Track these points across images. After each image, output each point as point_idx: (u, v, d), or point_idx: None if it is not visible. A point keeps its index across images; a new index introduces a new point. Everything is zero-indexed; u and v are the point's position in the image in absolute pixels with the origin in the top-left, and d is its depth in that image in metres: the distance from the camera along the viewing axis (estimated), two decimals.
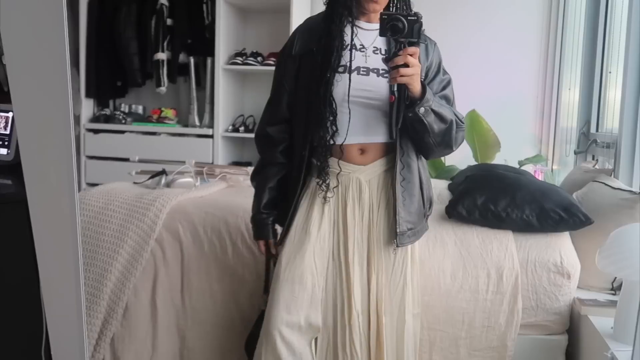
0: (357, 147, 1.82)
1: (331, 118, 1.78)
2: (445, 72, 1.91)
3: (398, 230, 1.80)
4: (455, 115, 1.81)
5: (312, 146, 1.84)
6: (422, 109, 1.70)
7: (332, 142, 1.79)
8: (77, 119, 4.39)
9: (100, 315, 2.27)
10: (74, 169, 1.27)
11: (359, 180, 1.83)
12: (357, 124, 1.80)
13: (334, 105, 1.78)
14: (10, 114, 1.55)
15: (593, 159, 3.17)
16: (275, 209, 1.95)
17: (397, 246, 1.82)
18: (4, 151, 1.53)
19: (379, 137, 1.82)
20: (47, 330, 1.38)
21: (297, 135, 1.88)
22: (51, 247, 1.35)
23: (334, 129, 1.79)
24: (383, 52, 1.82)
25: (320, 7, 1.91)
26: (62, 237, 1.33)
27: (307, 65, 1.85)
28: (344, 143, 1.80)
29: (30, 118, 1.28)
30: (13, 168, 1.46)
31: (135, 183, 2.79)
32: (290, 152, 1.93)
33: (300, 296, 1.79)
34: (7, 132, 1.53)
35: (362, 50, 1.81)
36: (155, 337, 2.27)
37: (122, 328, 2.28)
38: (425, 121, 1.72)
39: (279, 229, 1.96)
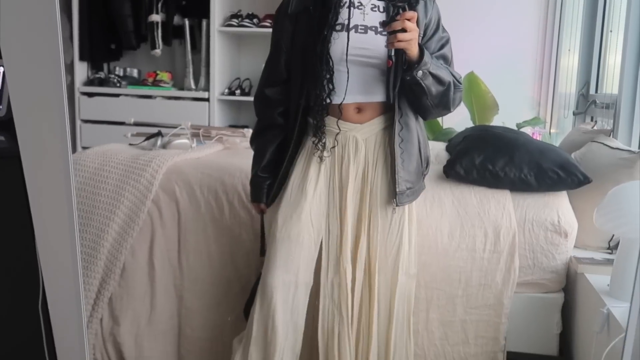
0: (354, 106, 1.81)
1: (327, 76, 1.76)
2: (444, 30, 1.88)
3: (397, 190, 1.80)
4: (453, 76, 1.79)
5: (308, 105, 1.82)
6: (419, 72, 1.68)
7: (328, 100, 1.78)
8: (69, 67, 4.33)
9: (98, 275, 2.27)
10: (66, 122, 1.25)
11: (356, 139, 1.82)
12: (355, 83, 1.78)
13: (330, 64, 1.76)
14: (1, 69, 1.52)
15: (592, 120, 3.15)
16: (273, 174, 1.93)
17: (397, 205, 1.81)
18: None
19: (377, 96, 1.81)
20: (44, 287, 1.38)
21: (293, 95, 1.86)
22: (46, 203, 1.34)
23: (330, 87, 1.77)
24: (381, 9, 1.79)
25: None
26: (57, 193, 1.32)
27: (303, 24, 1.82)
28: (342, 103, 1.78)
29: (21, 72, 1.26)
30: (5, 124, 1.43)
31: (131, 145, 2.77)
32: (288, 114, 1.91)
33: (297, 255, 1.79)
34: None
35: (360, 7, 1.78)
36: (153, 296, 2.28)
37: (120, 288, 2.28)
38: (423, 84, 1.71)
39: None
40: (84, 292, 2.23)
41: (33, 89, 1.28)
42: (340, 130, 1.80)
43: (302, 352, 1.84)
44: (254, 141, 1.96)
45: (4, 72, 1.41)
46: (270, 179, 1.92)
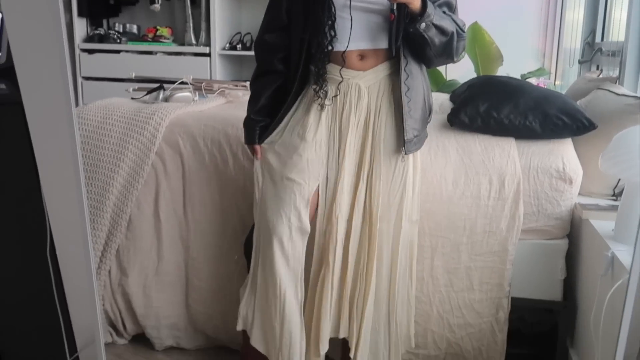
0: (356, 53, 1.80)
1: (329, 23, 1.74)
2: None
3: (406, 138, 1.80)
4: (457, 24, 1.78)
5: (308, 53, 1.80)
6: (422, 25, 1.68)
7: (329, 48, 1.76)
8: (69, 24, 4.28)
9: (105, 228, 2.28)
10: (67, 65, 1.24)
11: (359, 86, 1.81)
12: (358, 30, 1.76)
13: (332, 10, 1.74)
14: None
15: (597, 69, 3.12)
16: (268, 117, 1.92)
17: (405, 154, 1.82)
18: None
19: (380, 42, 1.79)
20: (51, 233, 1.39)
21: (294, 42, 1.84)
22: (50, 151, 1.34)
23: (332, 34, 1.75)
24: None
25: None
26: (61, 141, 1.31)
27: None
28: (346, 50, 1.76)
29: (20, 17, 1.24)
30: (6, 72, 1.42)
31: (133, 99, 2.76)
32: (289, 61, 1.89)
33: (289, 199, 1.80)
34: None
35: None
36: (159, 248, 2.30)
37: (127, 240, 2.30)
38: (426, 36, 1.71)
39: None
40: (92, 243, 2.25)
41: (32, 35, 1.26)
42: (342, 78, 1.78)
43: (308, 302, 1.86)
44: (251, 85, 1.97)
45: (2, 18, 1.39)
46: (263, 122, 1.91)
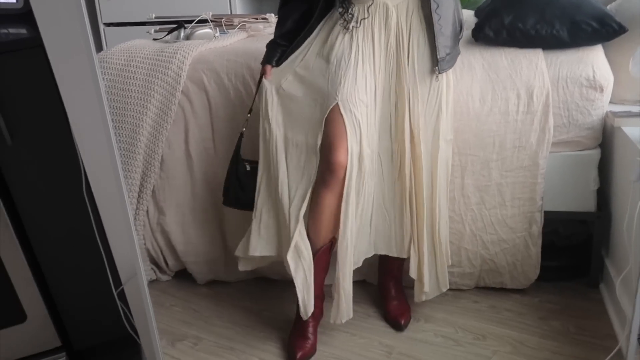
0: None
1: None
2: None
3: (439, 56, 1.79)
4: None
5: None
6: None
7: None
8: None
9: (139, 170, 2.33)
10: (83, 7, 1.24)
11: (386, 5, 1.78)
12: None
13: None
14: None
15: None
16: (291, 43, 1.91)
17: (440, 72, 1.80)
18: None
19: None
20: (86, 174, 1.43)
21: None
22: (76, 91, 1.36)
23: None
24: None
25: None
26: (85, 83, 1.33)
27: None
28: None
29: None
30: (25, 16, 1.44)
31: (154, 40, 2.76)
32: None
33: (298, 113, 1.84)
34: None
35: None
36: (193, 185, 2.35)
37: (161, 179, 2.35)
38: None
39: None
40: (127, 186, 2.31)
41: None
42: (372, 1, 1.75)
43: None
44: (279, 11, 1.96)
45: None
46: (286, 47, 1.91)
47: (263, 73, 1.93)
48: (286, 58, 1.90)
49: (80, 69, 1.29)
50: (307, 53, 1.86)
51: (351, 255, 1.84)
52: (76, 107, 1.34)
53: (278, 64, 1.91)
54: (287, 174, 1.86)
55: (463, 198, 2.12)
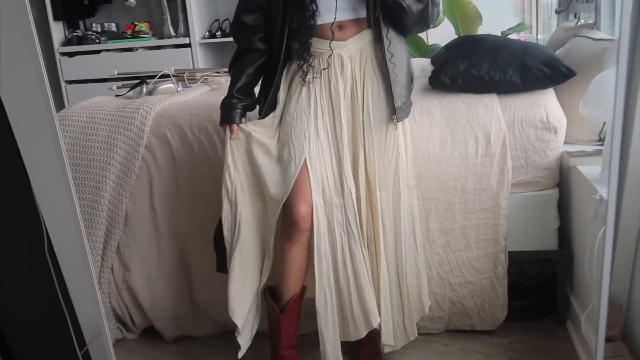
0: (335, 25, 1.80)
1: None
2: None
3: (396, 105, 1.82)
4: None
5: (290, 30, 1.81)
6: None
7: (313, 22, 1.77)
8: (47, 39, 4.26)
9: (102, 226, 2.30)
10: (42, 67, 1.25)
11: (341, 56, 1.82)
12: (338, 2, 1.78)
13: None
14: None
15: (575, 17, 3.12)
16: (249, 97, 1.93)
17: (397, 121, 1.84)
18: None
19: (360, 12, 1.81)
20: (48, 232, 1.41)
21: (274, 20, 1.85)
22: (36, 151, 1.36)
23: (314, 7, 1.76)
24: None
25: None
26: (45, 142, 1.33)
27: None
28: (334, 22, 1.78)
29: None
30: None
31: (117, 96, 2.77)
32: (268, 40, 1.89)
33: (272, 170, 1.84)
34: None
35: None
36: (159, 240, 2.32)
37: (126, 235, 2.32)
38: (403, 4, 1.74)
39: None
40: (89, 243, 2.27)
41: (6, 42, 1.28)
42: (332, 51, 1.80)
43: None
44: (231, 67, 1.95)
45: None
46: (245, 102, 1.91)
47: (229, 131, 1.89)
48: (263, 113, 1.91)
49: (39, 128, 1.29)
50: (270, 114, 1.89)
51: (332, 307, 1.83)
52: (36, 166, 1.34)
53: (240, 120, 1.90)
54: (250, 223, 1.87)
55: (429, 242, 2.15)
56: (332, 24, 1.79)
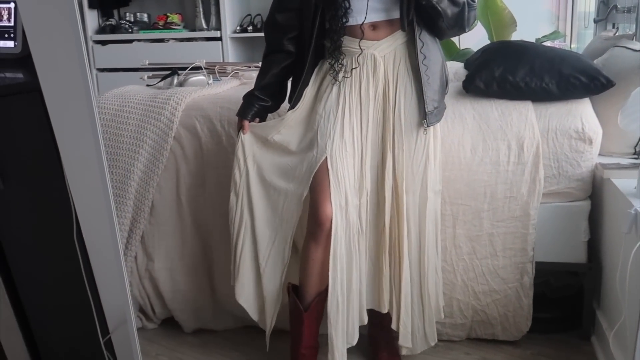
0: (369, 24, 1.79)
1: None
2: None
3: (427, 110, 1.80)
4: None
5: (322, 28, 1.80)
6: None
7: (344, 20, 1.76)
8: (81, 26, 4.30)
9: (129, 215, 2.31)
10: (84, 52, 1.25)
11: (374, 56, 1.81)
12: (371, 2, 1.77)
13: None
14: (11, 5, 1.52)
15: (613, 27, 3.07)
16: (270, 99, 1.94)
17: (428, 126, 1.82)
18: (10, 44, 1.51)
19: (393, 13, 1.80)
20: (78, 219, 1.41)
21: (306, 18, 1.84)
22: (72, 136, 1.36)
23: (347, 5, 1.75)
24: None
25: None
26: (81, 124, 1.33)
27: None
28: (364, 22, 1.77)
29: (34, 5, 1.25)
30: (22, 61, 1.44)
31: (148, 86, 2.77)
32: (299, 42, 1.91)
33: (286, 163, 1.87)
34: (12, 23, 1.50)
35: None
36: (183, 231, 2.33)
37: (151, 225, 2.33)
38: (439, 7, 1.72)
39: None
40: (118, 230, 2.28)
41: (47, 23, 1.28)
42: (362, 50, 1.79)
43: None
44: (263, 59, 1.98)
45: (15, 7, 1.41)
46: (264, 102, 1.93)
47: (240, 127, 1.93)
48: (265, 113, 1.96)
49: (77, 115, 1.29)
50: (300, 106, 1.87)
51: (343, 312, 1.81)
52: (71, 152, 1.34)
53: (252, 119, 1.92)
54: (264, 216, 1.87)
55: (455, 248, 2.12)
56: (362, 23, 1.77)
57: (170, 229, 2.33)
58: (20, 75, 1.47)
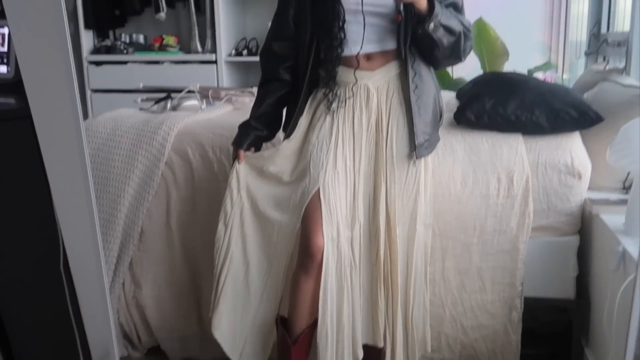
0: (363, 55, 1.80)
1: (339, 25, 1.75)
2: None
3: (417, 142, 1.80)
4: (463, 24, 1.79)
5: (317, 58, 1.81)
6: (431, 25, 1.69)
7: (339, 50, 1.77)
8: (76, 36, 4.31)
9: (117, 240, 2.30)
10: (74, 78, 1.25)
11: (367, 87, 1.82)
12: (367, 33, 1.78)
13: (342, 12, 1.75)
14: (5, 30, 1.52)
15: (604, 60, 3.10)
16: (266, 128, 1.95)
17: (417, 158, 1.82)
18: (3, 69, 1.51)
19: (387, 44, 1.81)
20: (64, 248, 1.40)
21: (302, 48, 1.86)
22: (60, 164, 1.35)
23: (342, 36, 1.76)
24: None
25: None
26: (71, 152, 1.33)
27: None
28: (359, 53, 1.78)
29: (26, 32, 1.26)
30: (14, 86, 1.44)
31: (141, 109, 2.78)
32: (295, 70, 1.91)
33: (280, 194, 1.84)
34: (5, 49, 1.50)
35: None
36: (172, 258, 2.31)
37: (140, 252, 2.31)
38: (434, 37, 1.72)
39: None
40: (104, 257, 2.26)
41: (39, 49, 1.28)
42: (356, 80, 1.80)
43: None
44: (259, 88, 1.99)
45: (9, 33, 1.41)
46: (259, 131, 1.93)
47: (235, 156, 1.92)
48: (261, 143, 1.95)
49: (66, 143, 1.29)
50: (295, 135, 1.88)
51: (332, 345, 1.79)
52: (60, 179, 1.34)
53: (248, 149, 1.92)
54: (259, 248, 1.85)
55: (443, 281, 2.11)
56: (358, 54, 1.78)
57: (158, 256, 2.31)
58: (12, 101, 1.47)
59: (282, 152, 1.87)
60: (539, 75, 3.61)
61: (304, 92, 1.85)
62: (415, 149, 1.81)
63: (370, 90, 1.82)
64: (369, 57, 1.82)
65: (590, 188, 2.16)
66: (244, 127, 1.95)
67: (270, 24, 1.94)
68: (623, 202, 2.00)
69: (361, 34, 1.77)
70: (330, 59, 1.79)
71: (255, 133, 1.93)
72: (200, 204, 2.29)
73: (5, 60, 1.50)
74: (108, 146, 2.36)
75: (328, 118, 1.84)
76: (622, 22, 3.06)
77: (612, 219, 1.94)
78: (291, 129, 1.87)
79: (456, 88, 3.29)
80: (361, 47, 1.78)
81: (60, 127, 1.32)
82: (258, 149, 1.96)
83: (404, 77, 1.82)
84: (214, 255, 1.89)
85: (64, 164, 1.35)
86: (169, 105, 2.72)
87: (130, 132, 2.38)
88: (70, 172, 1.34)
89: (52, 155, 1.34)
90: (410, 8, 1.69)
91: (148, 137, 2.34)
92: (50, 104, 1.31)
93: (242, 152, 1.90)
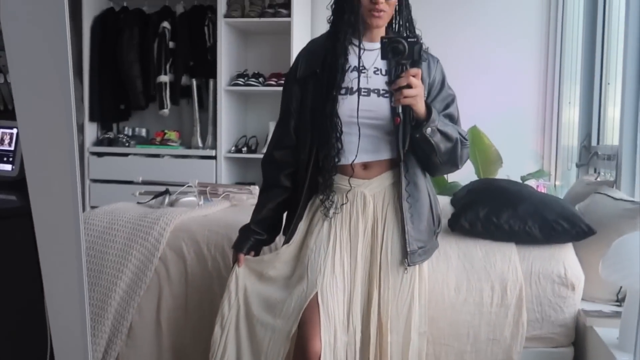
0: (361, 164, 1.86)
1: (337, 136, 1.82)
2: (449, 88, 1.94)
3: (409, 250, 1.82)
4: (460, 133, 1.84)
5: (316, 166, 1.86)
6: (428, 130, 1.74)
7: (337, 160, 1.82)
8: (80, 128, 4.40)
9: (105, 335, 2.26)
10: (77, 183, 1.28)
11: (364, 195, 1.85)
12: (362, 143, 1.84)
13: (339, 124, 1.81)
14: (14, 130, 1.57)
15: (595, 171, 3.18)
16: (266, 232, 1.98)
17: (409, 265, 1.83)
18: (8, 167, 1.55)
19: (383, 154, 1.86)
20: (52, 347, 1.39)
21: (302, 156, 1.92)
22: (56, 262, 1.36)
23: (339, 146, 1.82)
24: (383, 72, 1.87)
25: (320, 29, 1.95)
26: (67, 252, 1.34)
27: (311, 87, 1.90)
28: (354, 162, 1.84)
29: (34, 134, 1.30)
30: (17, 184, 1.47)
31: (138, 203, 2.80)
32: (295, 177, 1.97)
33: (282, 302, 1.81)
34: (12, 148, 1.55)
35: (363, 71, 1.86)
36: (160, 356, 2.27)
37: (127, 348, 2.27)
38: (432, 141, 1.77)
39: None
40: (91, 352, 2.22)
41: (46, 149, 1.32)
42: (351, 187, 1.83)
43: None
44: (260, 194, 2.04)
45: (17, 134, 1.45)
46: (259, 236, 1.96)
47: (235, 259, 1.94)
48: (261, 247, 1.98)
49: (64, 240, 1.30)
50: (294, 240, 1.90)
51: None
52: (54, 275, 1.34)
53: (248, 253, 1.94)
54: (251, 351, 1.82)
55: None
56: (352, 162, 1.84)
57: (146, 353, 2.27)
58: (13, 198, 1.50)
59: (281, 256, 1.89)
60: (532, 182, 3.69)
61: (303, 197, 1.89)
62: (407, 256, 1.82)
63: (367, 197, 1.86)
64: (365, 166, 1.87)
65: (583, 299, 2.17)
66: (244, 231, 1.98)
67: (271, 128, 2.01)
68: (617, 314, 2.00)
69: (356, 144, 1.83)
70: (327, 168, 1.85)
71: (255, 237, 1.96)
72: (192, 301, 2.27)
73: (10, 159, 1.54)
74: (103, 239, 2.37)
75: (326, 223, 1.87)
76: (611, 134, 3.15)
77: (606, 332, 1.93)
78: (291, 233, 1.90)
79: (451, 192, 3.36)
80: (356, 157, 1.84)
81: (59, 226, 1.33)
82: (257, 252, 1.99)
83: (399, 186, 1.86)
84: (210, 359, 1.85)
85: (60, 261, 1.35)
86: (166, 200, 2.75)
87: (126, 226, 2.39)
88: (65, 270, 1.35)
89: (48, 252, 1.35)
90: (408, 111, 1.75)
91: (144, 232, 2.35)
92: (51, 203, 1.33)
93: (242, 256, 1.93)
